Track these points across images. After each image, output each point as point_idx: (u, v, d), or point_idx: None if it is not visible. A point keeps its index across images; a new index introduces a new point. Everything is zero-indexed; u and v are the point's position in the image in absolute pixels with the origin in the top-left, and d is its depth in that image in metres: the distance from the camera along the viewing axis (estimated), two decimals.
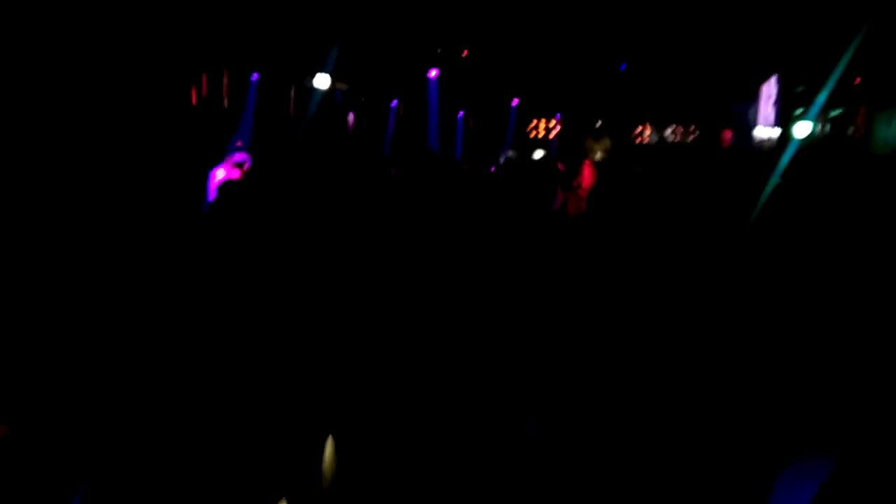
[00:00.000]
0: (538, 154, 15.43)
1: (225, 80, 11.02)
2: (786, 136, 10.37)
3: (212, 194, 6.43)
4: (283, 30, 10.35)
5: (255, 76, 11.04)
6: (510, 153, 14.46)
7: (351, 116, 13.29)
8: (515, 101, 15.54)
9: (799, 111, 10.73)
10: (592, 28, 12.23)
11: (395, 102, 14.01)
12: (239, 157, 6.57)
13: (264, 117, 11.03)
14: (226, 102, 10.94)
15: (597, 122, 14.83)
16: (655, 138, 16.14)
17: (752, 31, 11.22)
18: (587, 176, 6.86)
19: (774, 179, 5.67)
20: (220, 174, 6.51)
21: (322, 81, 10.75)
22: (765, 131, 12.72)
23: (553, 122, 16.56)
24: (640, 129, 16.17)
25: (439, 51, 12.22)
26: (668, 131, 16.03)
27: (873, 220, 4.06)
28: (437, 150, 12.63)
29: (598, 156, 13.75)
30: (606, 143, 14.02)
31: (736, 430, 2.70)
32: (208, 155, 7.62)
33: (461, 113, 14.41)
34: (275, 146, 10.74)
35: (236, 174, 6.45)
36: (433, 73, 12.36)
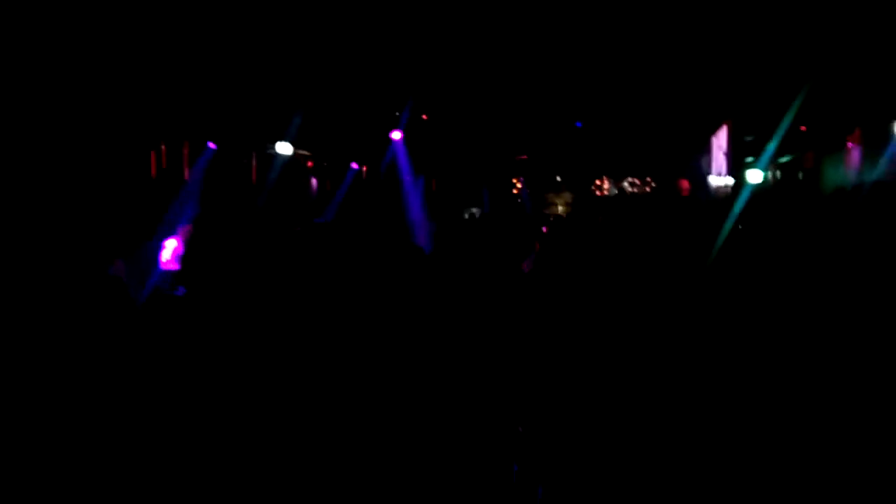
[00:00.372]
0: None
1: (185, 151, 11.02)
2: (739, 183, 10.67)
3: (164, 264, 6.34)
4: (244, 99, 10.44)
5: (211, 145, 11.05)
6: (473, 210, 14.62)
7: (314, 181, 13.35)
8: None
9: (750, 159, 11.09)
10: (547, 87, 12.58)
11: (354, 165, 14.14)
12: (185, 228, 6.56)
13: (222, 185, 10.99)
14: (186, 173, 10.92)
15: (555, 177, 15.13)
16: (615, 190, 16.49)
17: (701, 85, 11.64)
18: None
19: (730, 223, 5.82)
20: (172, 244, 6.43)
21: (284, 149, 10.82)
22: (719, 180, 13.07)
23: (515, 181, 16.89)
24: (598, 182, 16.53)
25: (398, 114, 12.43)
26: (626, 183, 16.40)
27: (829, 254, 4.17)
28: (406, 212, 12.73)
29: (560, 209, 13.98)
30: (567, 196, 14.28)
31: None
32: (167, 224, 7.58)
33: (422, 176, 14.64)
34: (229, 213, 10.67)
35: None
36: (396, 135, 12.53)
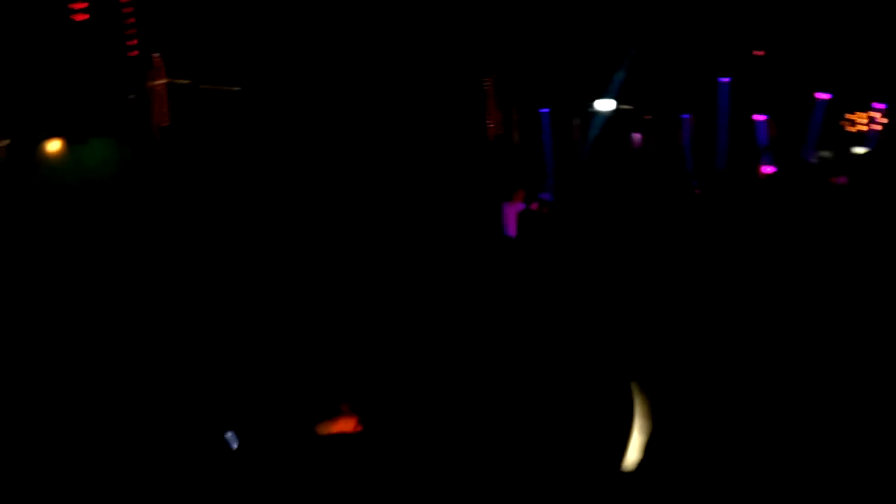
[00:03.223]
0: (860, 151, 13.58)
1: (514, 116, 11.55)
2: None
3: (510, 224, 7.13)
4: (566, 63, 10.59)
5: (545, 110, 11.38)
6: (824, 153, 12.89)
7: (637, 136, 13.03)
8: (822, 96, 13.86)
9: None
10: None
11: (686, 116, 13.39)
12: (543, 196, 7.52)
13: (558, 149, 11.35)
14: (515, 138, 11.46)
15: None
16: None
17: None
18: None
19: None
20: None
21: (605, 105, 10.72)
22: None
23: (873, 114, 14.39)
24: None
25: (729, 55, 11.50)
26: None
27: None
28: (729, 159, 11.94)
29: None
30: None
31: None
32: (503, 185, 8.45)
33: (763, 117, 13.23)
34: (569, 177, 11.02)
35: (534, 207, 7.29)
36: (725, 79, 11.60)
